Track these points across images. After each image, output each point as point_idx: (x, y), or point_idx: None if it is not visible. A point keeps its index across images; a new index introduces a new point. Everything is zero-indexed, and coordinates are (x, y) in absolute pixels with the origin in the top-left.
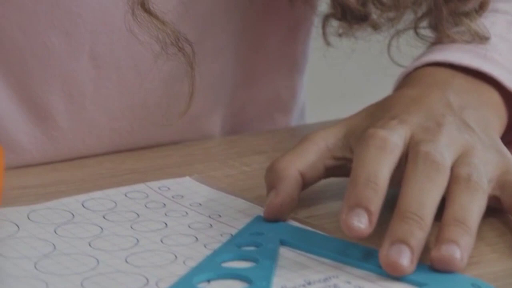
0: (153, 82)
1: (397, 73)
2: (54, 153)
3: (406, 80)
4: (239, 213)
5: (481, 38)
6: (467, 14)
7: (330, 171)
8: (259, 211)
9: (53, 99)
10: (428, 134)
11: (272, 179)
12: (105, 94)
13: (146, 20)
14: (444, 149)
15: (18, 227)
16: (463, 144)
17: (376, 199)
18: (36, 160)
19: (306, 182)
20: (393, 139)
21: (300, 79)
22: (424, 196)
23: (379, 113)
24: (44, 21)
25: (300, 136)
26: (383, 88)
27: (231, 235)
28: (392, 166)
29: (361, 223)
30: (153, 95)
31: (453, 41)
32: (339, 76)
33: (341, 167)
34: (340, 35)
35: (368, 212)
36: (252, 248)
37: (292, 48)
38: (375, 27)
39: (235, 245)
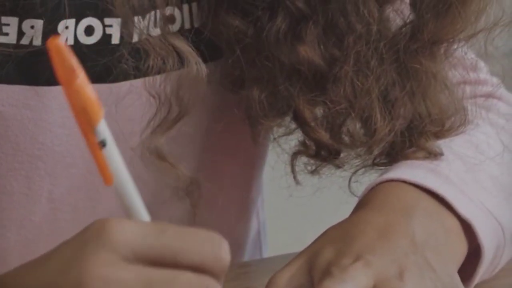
0: None
1: None
2: None
3: (369, 199)
4: None
5: (436, 155)
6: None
7: None
8: None
9: (7, 243)
10: (391, 282)
11: None
12: (60, 233)
13: None
14: None
15: None
16: None
17: None
18: None
19: None
20: None
21: (254, 212)
22: None
23: (342, 244)
24: (5, 164)
25: (254, 272)
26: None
27: None
28: None
29: None
30: None
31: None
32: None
33: None
34: (312, 173)
35: None
36: None
37: (248, 185)
38: (340, 165)
39: None
